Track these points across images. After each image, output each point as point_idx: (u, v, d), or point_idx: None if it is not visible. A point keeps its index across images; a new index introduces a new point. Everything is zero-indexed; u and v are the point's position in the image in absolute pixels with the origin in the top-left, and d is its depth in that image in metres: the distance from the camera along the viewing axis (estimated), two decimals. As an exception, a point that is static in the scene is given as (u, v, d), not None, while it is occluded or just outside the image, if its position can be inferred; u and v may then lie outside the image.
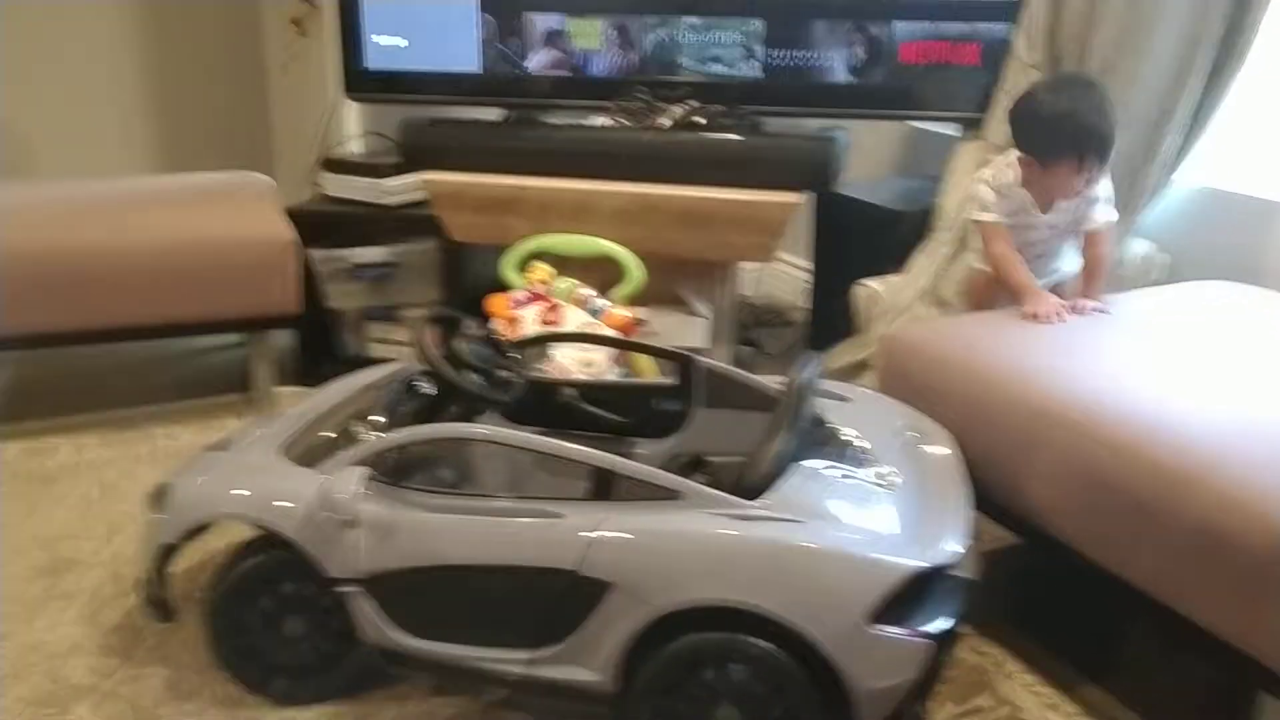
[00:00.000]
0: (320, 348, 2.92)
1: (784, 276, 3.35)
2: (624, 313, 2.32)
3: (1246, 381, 1.67)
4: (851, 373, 2.49)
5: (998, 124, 2.48)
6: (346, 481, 1.48)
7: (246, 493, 1.59)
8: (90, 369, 2.90)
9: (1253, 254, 2.22)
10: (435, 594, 1.51)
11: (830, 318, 2.76)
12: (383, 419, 1.70)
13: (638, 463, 1.50)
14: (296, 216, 2.74)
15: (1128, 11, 2.21)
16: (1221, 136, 2.21)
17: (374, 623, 1.54)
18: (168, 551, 1.62)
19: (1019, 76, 2.44)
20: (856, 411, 1.74)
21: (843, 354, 2.56)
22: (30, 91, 3.42)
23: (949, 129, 2.78)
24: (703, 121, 2.62)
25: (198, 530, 1.64)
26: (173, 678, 1.70)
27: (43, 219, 2.59)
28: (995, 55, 2.50)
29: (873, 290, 2.56)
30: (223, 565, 1.65)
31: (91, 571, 2.01)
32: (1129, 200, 2.24)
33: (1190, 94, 2.15)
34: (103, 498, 2.27)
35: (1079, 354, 1.79)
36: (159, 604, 1.67)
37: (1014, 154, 2.10)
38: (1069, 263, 2.17)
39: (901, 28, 2.55)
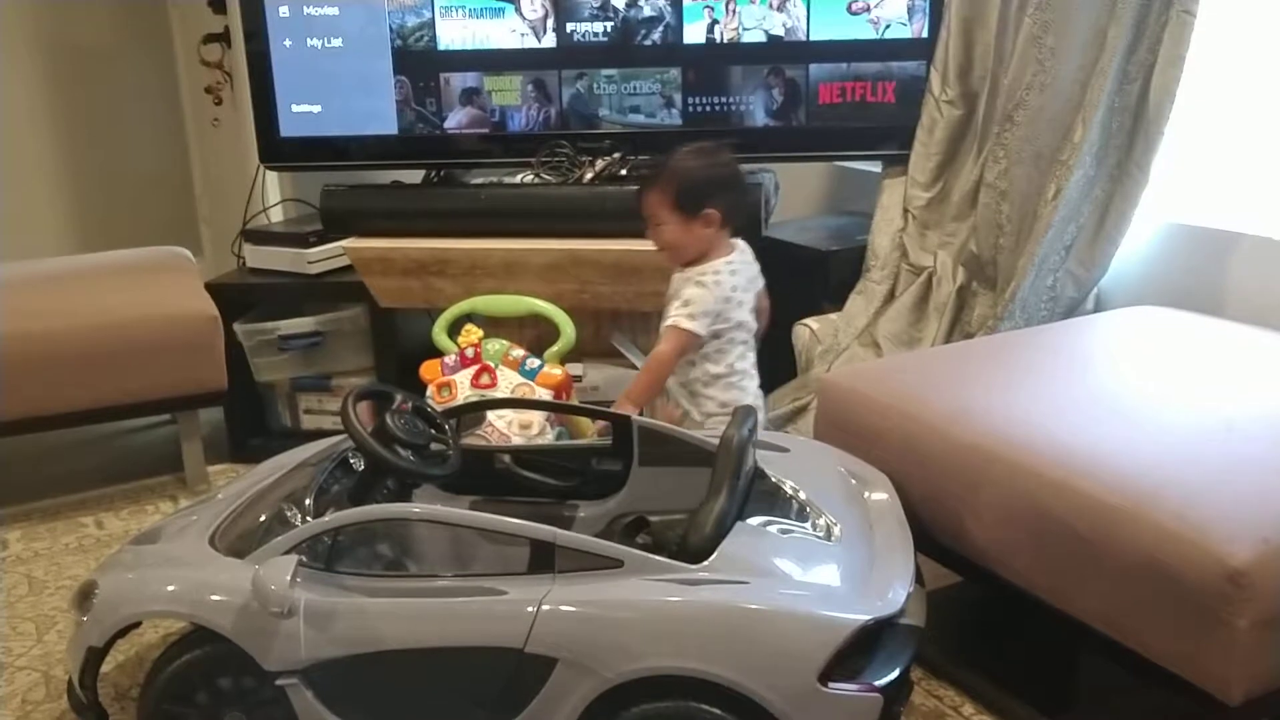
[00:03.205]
0: (251, 422, 2.86)
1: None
2: (558, 372, 2.29)
3: (1182, 409, 1.69)
4: (792, 418, 2.48)
5: (919, 159, 2.51)
6: (279, 571, 1.43)
7: (176, 588, 1.54)
8: (10, 458, 2.81)
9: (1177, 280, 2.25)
10: (378, 680, 1.47)
11: (768, 361, 2.75)
12: (315, 501, 1.65)
13: (578, 531, 1.48)
14: (219, 290, 2.70)
15: (1031, 48, 2.24)
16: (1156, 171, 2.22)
17: (316, 713, 1.49)
18: (95, 654, 1.56)
19: (936, 113, 2.47)
20: (795, 461, 1.73)
21: (782, 398, 2.55)
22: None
23: (872, 166, 2.80)
24: (626, 173, 2.61)
25: (128, 628, 1.58)
26: (108, 783, 1.64)
27: (-44, 306, 2.52)
28: (912, 93, 2.53)
29: (813, 329, 2.56)
30: (156, 662, 1.59)
31: (21, 674, 1.93)
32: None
33: (1093, 129, 2.18)
34: (29, 594, 2.20)
35: (1015, 390, 1.80)
36: (89, 709, 1.61)
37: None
38: None
39: (817, 70, 2.58)
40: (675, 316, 2.04)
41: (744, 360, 2.10)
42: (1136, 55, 2.14)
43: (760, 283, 2.16)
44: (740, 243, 2.14)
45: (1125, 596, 1.42)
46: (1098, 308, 2.34)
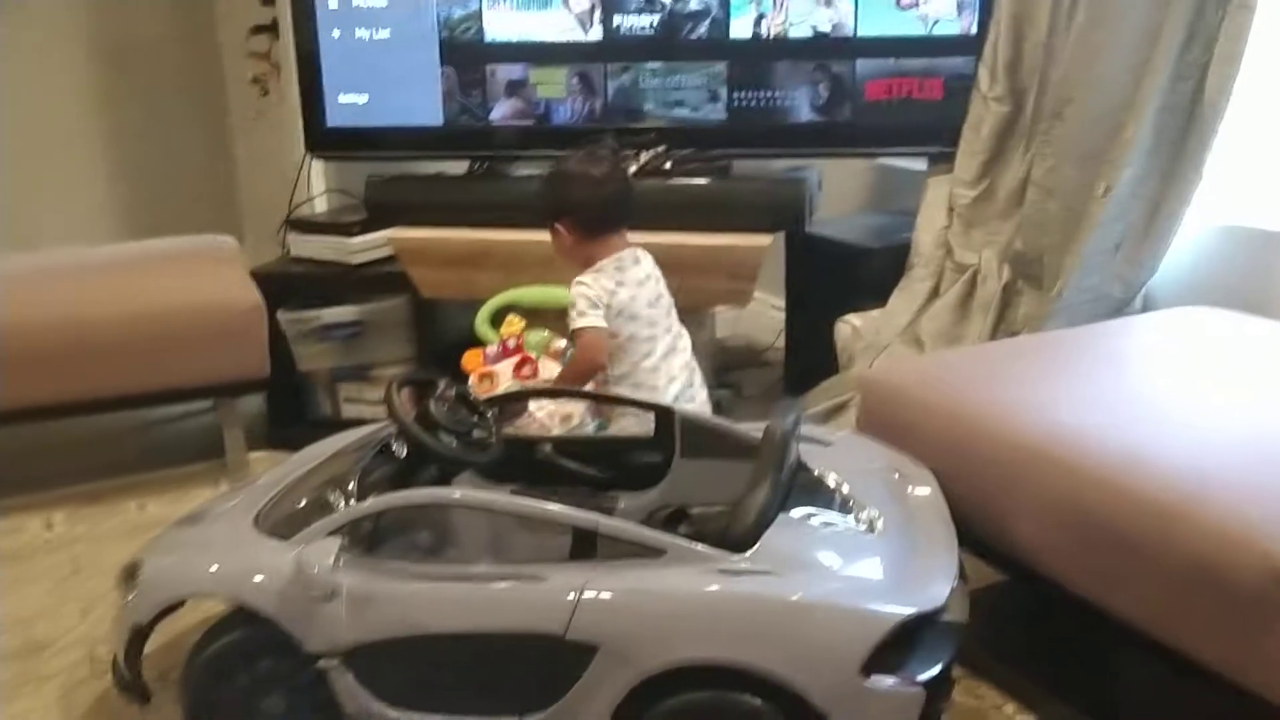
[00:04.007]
0: (292, 411, 2.88)
1: (760, 316, 3.34)
2: (599, 363, 2.29)
3: (1231, 409, 1.67)
4: (831, 415, 2.47)
5: (965, 157, 2.49)
6: (322, 553, 1.44)
7: (219, 569, 1.55)
8: (57, 443, 2.84)
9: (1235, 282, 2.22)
10: (418, 664, 1.47)
11: (807, 357, 2.75)
12: (357, 485, 1.66)
13: (620, 519, 1.47)
14: (263, 278, 2.71)
15: (1082, 44, 2.22)
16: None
17: (356, 696, 1.50)
18: (140, 632, 1.58)
19: (983, 110, 2.44)
20: (838, 455, 1.72)
21: (822, 395, 2.54)
22: (-10, 161, 3.40)
23: (916, 164, 2.78)
24: (669, 166, 2.61)
25: (171, 608, 1.59)
26: (150, 762, 1.66)
27: (4, 293, 2.54)
28: (959, 90, 2.51)
29: (854, 326, 2.55)
30: (198, 643, 1.60)
31: (65, 652, 1.95)
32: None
33: (1145, 126, 2.15)
34: (75, 575, 2.22)
35: (1061, 388, 1.78)
36: (133, 686, 1.62)
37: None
38: None
39: (864, 65, 2.57)
40: (571, 323, 2.08)
41: (650, 359, 2.08)
42: (1191, 52, 2.11)
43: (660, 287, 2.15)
44: (636, 251, 2.13)
45: (1171, 597, 1.40)
46: (1145, 308, 2.31)
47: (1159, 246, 2.23)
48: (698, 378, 2.15)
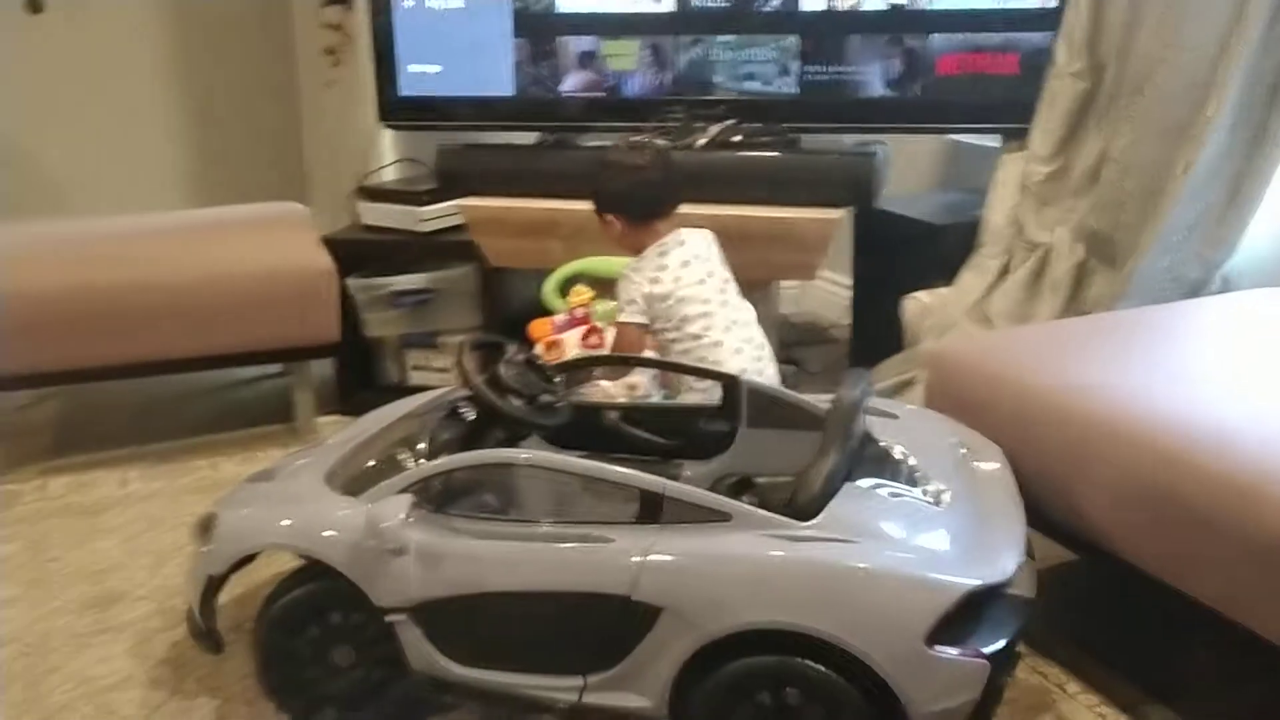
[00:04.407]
0: (360, 376, 2.92)
1: (825, 294, 3.33)
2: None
3: (1308, 389, 1.63)
4: (897, 391, 2.45)
5: (1039, 133, 2.45)
6: (392, 510, 1.46)
7: (292, 522, 1.58)
8: (131, 403, 2.91)
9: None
10: (484, 622, 1.49)
11: (873, 335, 2.73)
12: (426, 446, 1.68)
13: (686, 485, 1.48)
14: (334, 245, 2.74)
15: (1164, 18, 2.17)
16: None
17: (423, 651, 1.52)
18: (214, 583, 1.62)
19: (1060, 86, 2.41)
20: (905, 428, 1.71)
21: (888, 371, 2.53)
22: (65, 128, 3.46)
23: (989, 141, 2.75)
24: (739, 140, 2.60)
25: (244, 561, 1.63)
26: (222, 709, 1.70)
27: (81, 255, 2.61)
28: (1035, 65, 2.47)
29: (923, 303, 2.53)
30: (270, 595, 1.64)
31: (139, 604, 2.01)
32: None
33: (1228, 103, 2.11)
34: (148, 530, 2.28)
35: (1134, 365, 1.76)
36: (207, 635, 1.66)
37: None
38: None
39: (939, 40, 2.53)
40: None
41: (708, 334, 2.08)
42: (1277, 27, 2.06)
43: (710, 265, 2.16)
44: (681, 233, 2.14)
45: (1246, 576, 1.38)
46: (1223, 290, 2.26)
47: (1239, 226, 2.19)
48: (766, 351, 2.14)
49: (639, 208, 2.13)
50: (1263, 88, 2.11)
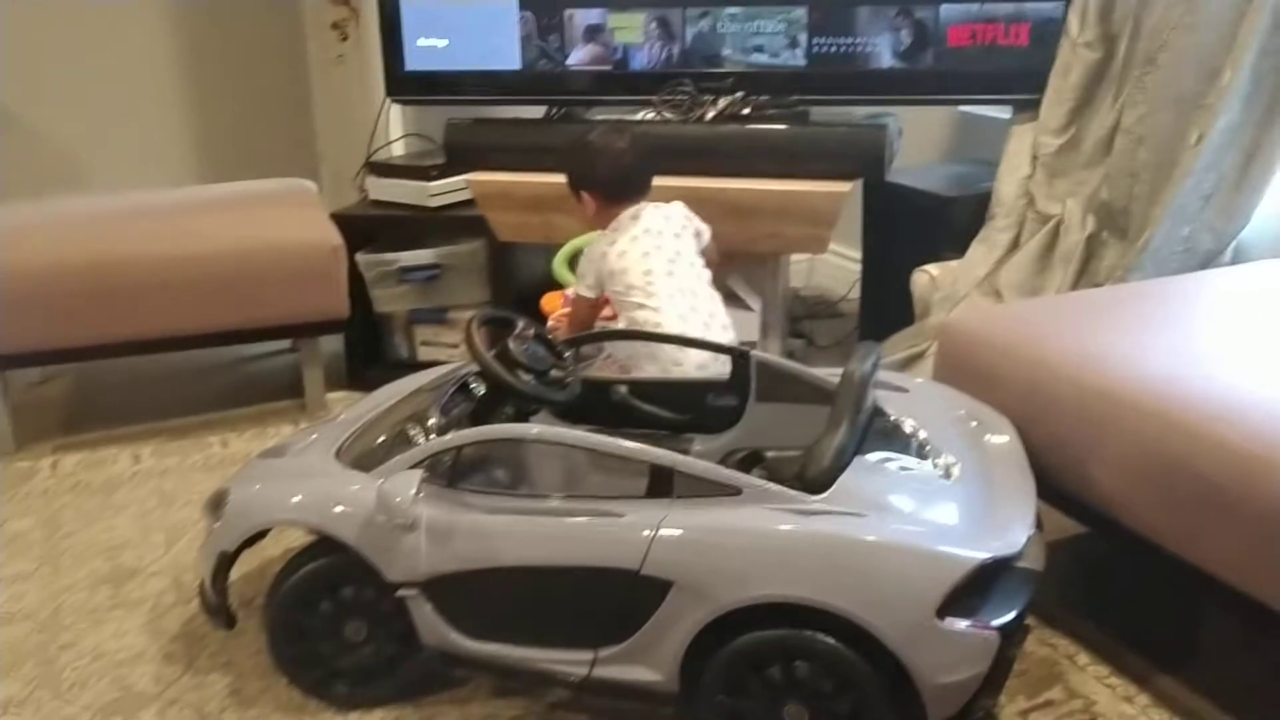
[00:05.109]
0: (370, 352, 2.92)
1: (834, 267, 3.32)
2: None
3: (1322, 361, 1.62)
4: (907, 364, 2.45)
5: (1051, 104, 2.44)
6: (403, 485, 1.47)
7: (304, 498, 1.59)
8: (142, 379, 2.92)
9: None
10: (495, 596, 1.50)
11: (882, 308, 2.72)
12: (437, 421, 1.69)
13: (695, 459, 1.48)
14: (342, 221, 2.74)
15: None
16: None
17: (434, 626, 1.53)
18: (226, 559, 1.63)
19: (1072, 56, 2.39)
20: (915, 402, 1.71)
21: (899, 345, 2.52)
22: (74, 105, 3.46)
23: (999, 112, 2.73)
24: (748, 112, 2.59)
25: (256, 537, 1.64)
26: (235, 684, 1.71)
27: (92, 232, 2.61)
28: (1046, 36, 2.45)
29: (933, 276, 2.52)
30: (281, 571, 1.65)
31: (153, 579, 2.02)
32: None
33: (1243, 72, 2.08)
34: (161, 506, 2.29)
35: (1146, 337, 1.75)
36: (219, 611, 1.67)
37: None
38: None
39: (948, 10, 2.51)
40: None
41: (651, 302, 2.10)
42: (1292, -3, 2.04)
43: (689, 235, 2.22)
44: (644, 206, 2.19)
45: (1258, 545, 1.38)
46: (1236, 261, 2.25)
47: (1252, 197, 2.17)
48: (718, 321, 2.15)
49: (615, 188, 2.20)
50: (1277, 58, 2.09)
